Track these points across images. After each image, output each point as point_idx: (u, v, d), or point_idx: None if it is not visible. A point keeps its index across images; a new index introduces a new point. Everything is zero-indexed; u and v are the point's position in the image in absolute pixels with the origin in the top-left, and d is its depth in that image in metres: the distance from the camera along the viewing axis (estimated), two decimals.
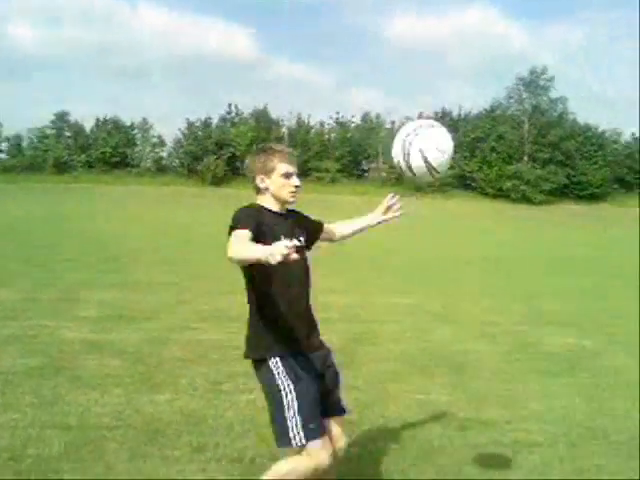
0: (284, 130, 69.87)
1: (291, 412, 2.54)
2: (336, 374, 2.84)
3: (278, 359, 2.60)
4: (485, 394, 5.11)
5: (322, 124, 71.50)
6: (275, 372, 2.59)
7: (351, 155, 67.35)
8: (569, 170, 64.88)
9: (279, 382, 2.57)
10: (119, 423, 4.01)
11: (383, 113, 73.09)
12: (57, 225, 22.92)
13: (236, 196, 50.73)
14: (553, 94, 68.05)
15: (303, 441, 2.51)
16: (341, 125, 71.44)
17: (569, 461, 3.83)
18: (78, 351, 5.74)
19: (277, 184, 2.74)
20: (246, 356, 2.74)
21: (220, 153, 63.93)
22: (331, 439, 2.70)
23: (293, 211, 2.92)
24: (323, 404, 2.69)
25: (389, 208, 3.12)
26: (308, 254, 2.87)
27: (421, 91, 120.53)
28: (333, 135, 71.09)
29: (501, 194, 63.73)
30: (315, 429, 2.55)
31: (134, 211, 35.04)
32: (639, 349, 6.77)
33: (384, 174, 66.90)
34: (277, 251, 2.08)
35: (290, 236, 2.71)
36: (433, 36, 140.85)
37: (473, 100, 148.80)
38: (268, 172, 2.74)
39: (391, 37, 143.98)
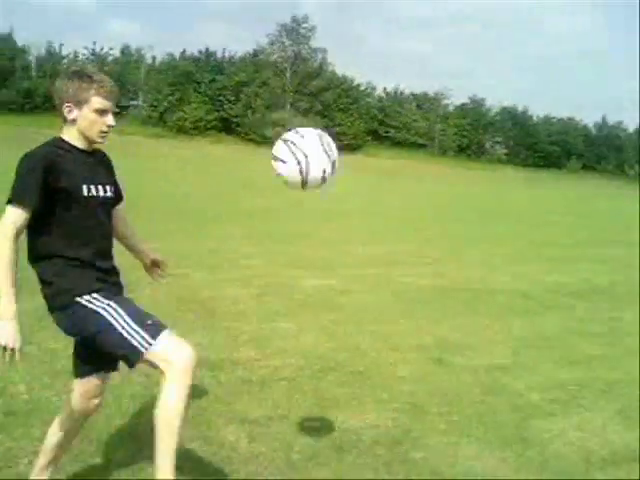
0: (31, 59, 63.38)
1: (123, 325, 2.29)
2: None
3: (86, 295, 2.34)
4: (236, 335, 5.26)
5: (76, 54, 66.22)
6: (88, 305, 2.33)
7: None
8: (327, 121, 68.36)
9: (97, 309, 2.32)
10: None
11: (144, 47, 69.53)
12: None
13: None
14: (314, 44, 70.72)
15: (150, 341, 2.27)
16: (98, 57, 66.76)
17: (311, 392, 4.13)
18: None
19: (87, 119, 2.39)
20: (52, 308, 2.41)
21: None
22: (95, 393, 2.56)
23: (101, 152, 2.59)
24: (101, 357, 2.46)
25: (156, 265, 2.89)
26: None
27: (183, 29, 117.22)
28: (89, 67, 66.22)
29: (265, 140, 65.07)
30: (153, 324, 2.32)
31: None
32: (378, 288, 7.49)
33: (145, 112, 64.35)
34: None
35: (93, 183, 2.44)
36: None
37: (236, 42, 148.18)
38: (79, 103, 2.38)
39: None
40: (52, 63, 63.05)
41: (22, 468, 2.89)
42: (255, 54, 71.04)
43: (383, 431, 3.62)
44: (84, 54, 66.47)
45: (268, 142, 64.89)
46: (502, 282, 8.74)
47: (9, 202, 2.28)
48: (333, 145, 2.58)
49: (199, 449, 3.24)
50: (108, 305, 2.34)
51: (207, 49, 70.10)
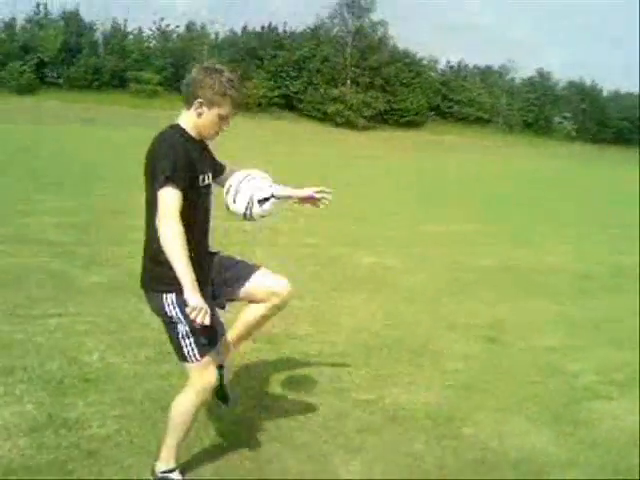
0: (98, 35, 64.89)
1: (184, 337, 2.61)
2: (230, 258, 2.91)
3: (174, 295, 2.55)
4: (294, 310, 5.41)
5: (141, 31, 67.32)
6: (168, 306, 2.60)
7: (174, 67, 64.46)
8: (389, 96, 67.46)
9: (172, 314, 2.60)
10: None
11: (208, 23, 70.22)
12: None
13: (44, 107, 46.99)
14: (375, 17, 69.61)
15: (198, 357, 2.62)
16: (163, 33, 67.69)
17: (365, 368, 4.25)
18: None
19: (209, 119, 2.61)
20: (143, 286, 2.71)
21: (26, 59, 58.09)
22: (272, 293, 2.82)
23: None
24: (239, 282, 2.80)
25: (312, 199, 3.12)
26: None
27: (245, 3, 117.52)
28: (153, 43, 67.26)
29: (326, 117, 64.91)
30: (206, 344, 2.63)
31: None
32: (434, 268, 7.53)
33: None
34: (198, 314, 2.31)
35: (206, 172, 2.68)
36: None
37: (299, 17, 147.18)
38: (210, 103, 2.58)
39: None
40: (117, 39, 64.39)
41: (95, 430, 3.13)
42: (316, 29, 70.47)
43: (435, 407, 3.72)
44: (151, 30, 67.65)
45: (328, 119, 64.83)
46: (564, 262, 8.64)
47: (166, 183, 2.42)
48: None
49: (257, 415, 3.44)
50: (181, 316, 2.58)
51: (270, 24, 70.02)
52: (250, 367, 4.11)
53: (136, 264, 2.86)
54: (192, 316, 2.34)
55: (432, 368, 4.34)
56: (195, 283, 2.38)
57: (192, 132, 2.64)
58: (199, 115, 2.60)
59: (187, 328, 2.59)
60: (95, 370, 3.82)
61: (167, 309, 2.60)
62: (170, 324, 2.65)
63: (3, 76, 56.65)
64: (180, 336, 2.62)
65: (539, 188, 22.85)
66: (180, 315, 2.57)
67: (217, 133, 2.69)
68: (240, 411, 3.46)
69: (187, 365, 2.68)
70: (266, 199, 2.79)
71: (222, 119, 2.63)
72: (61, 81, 60.17)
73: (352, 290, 6.33)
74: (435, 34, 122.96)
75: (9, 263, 6.10)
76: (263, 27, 69.55)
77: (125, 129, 36.95)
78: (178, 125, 2.64)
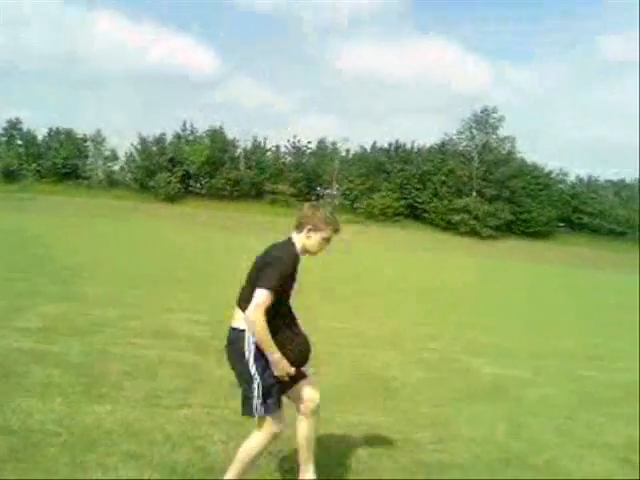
0: (240, 151, 70.11)
1: (256, 392, 3.28)
2: None
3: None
4: (416, 417, 5.36)
5: (278, 147, 72.24)
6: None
7: (306, 180, 68.17)
8: (515, 207, 66.86)
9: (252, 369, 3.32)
10: (60, 430, 4.11)
11: (339, 141, 74.21)
12: (2, 236, 22.40)
13: (189, 214, 50.50)
14: (502, 133, 70.56)
15: (262, 412, 3.28)
16: (297, 150, 72.16)
17: None
18: (22, 361, 5.75)
19: (316, 241, 3.47)
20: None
21: (174, 170, 63.63)
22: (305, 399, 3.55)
23: None
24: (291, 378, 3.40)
25: None
26: None
27: (375, 121, 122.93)
28: (288, 159, 71.74)
29: (450, 226, 65.21)
30: (272, 404, 3.29)
31: (83, 224, 34.53)
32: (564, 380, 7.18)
33: (337, 201, 67.82)
34: (283, 372, 3.27)
35: (296, 274, 3.48)
36: (392, 70, 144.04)
37: (426, 133, 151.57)
38: (316, 229, 3.44)
39: (349, 67, 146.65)
40: (257, 155, 69.29)
41: None
42: (442, 144, 72.36)
43: None
44: (285, 147, 72.44)
45: (452, 227, 64.92)
46: None
47: (268, 289, 3.20)
48: None
49: None
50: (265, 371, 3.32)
51: (397, 141, 72.95)
52: (368, 472, 4.08)
53: None
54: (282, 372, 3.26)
55: None
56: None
57: (299, 249, 3.45)
58: (308, 238, 3.45)
59: (262, 384, 3.31)
60: (222, 461, 3.93)
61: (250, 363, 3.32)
62: (248, 379, 3.31)
63: (153, 185, 62.30)
64: (254, 391, 3.29)
65: None
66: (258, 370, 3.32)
67: (321, 250, 3.52)
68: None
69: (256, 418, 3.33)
70: None
71: (325, 240, 3.48)
72: (204, 191, 65.18)
73: (475, 399, 6.17)
74: (564, 148, 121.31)
75: (148, 355, 6.54)
76: (391, 144, 72.45)
77: (259, 235, 38.89)
78: (292, 241, 3.46)
